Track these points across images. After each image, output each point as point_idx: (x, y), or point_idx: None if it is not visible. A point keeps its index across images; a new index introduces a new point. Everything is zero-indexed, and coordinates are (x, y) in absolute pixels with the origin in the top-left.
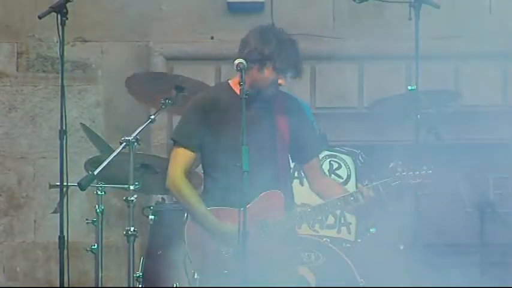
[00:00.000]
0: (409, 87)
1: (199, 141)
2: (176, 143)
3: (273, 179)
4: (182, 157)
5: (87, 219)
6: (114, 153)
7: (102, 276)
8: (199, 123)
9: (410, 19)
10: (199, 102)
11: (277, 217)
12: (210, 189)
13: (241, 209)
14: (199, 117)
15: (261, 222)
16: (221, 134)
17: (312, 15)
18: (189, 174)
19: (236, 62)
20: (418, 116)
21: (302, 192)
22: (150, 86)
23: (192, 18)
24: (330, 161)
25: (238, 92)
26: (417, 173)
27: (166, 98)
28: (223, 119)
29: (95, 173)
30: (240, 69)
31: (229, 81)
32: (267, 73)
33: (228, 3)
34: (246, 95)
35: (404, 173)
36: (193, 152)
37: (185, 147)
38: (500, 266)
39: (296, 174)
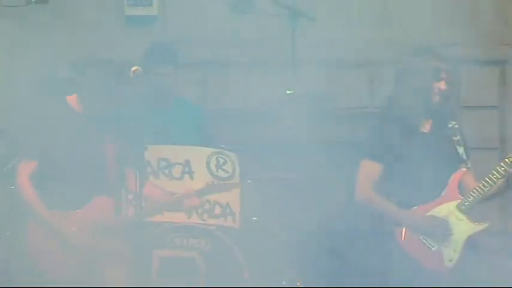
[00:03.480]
0: (288, 91)
1: (40, 150)
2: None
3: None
4: (27, 167)
5: None
6: None
7: None
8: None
9: (288, 29)
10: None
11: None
12: (52, 193)
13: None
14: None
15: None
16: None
17: (204, 25)
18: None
19: (133, 69)
20: (296, 117)
21: None
22: None
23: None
24: (216, 157)
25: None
26: None
27: None
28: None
29: None
30: (136, 75)
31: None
32: None
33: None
34: None
35: None
36: (35, 160)
37: (27, 159)
38: None
39: None
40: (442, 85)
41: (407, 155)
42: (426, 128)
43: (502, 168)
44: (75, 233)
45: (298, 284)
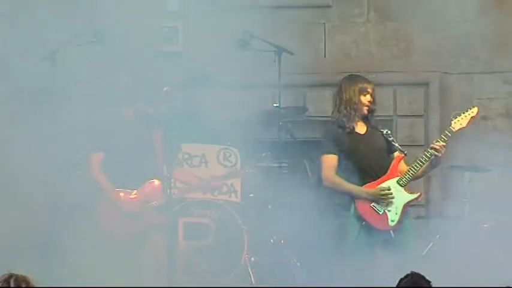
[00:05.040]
0: (275, 104)
1: (106, 145)
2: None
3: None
4: (96, 158)
5: None
6: None
7: None
8: None
9: (274, 61)
10: None
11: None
12: (117, 177)
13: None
14: None
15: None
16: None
17: (215, 57)
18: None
19: (165, 89)
20: (280, 123)
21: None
22: None
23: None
24: (224, 152)
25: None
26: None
27: None
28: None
29: None
30: (167, 93)
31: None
32: None
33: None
34: None
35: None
36: (102, 153)
37: (96, 151)
38: None
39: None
40: (368, 98)
41: (353, 149)
42: (362, 130)
43: (428, 153)
44: (132, 205)
45: (282, 241)
